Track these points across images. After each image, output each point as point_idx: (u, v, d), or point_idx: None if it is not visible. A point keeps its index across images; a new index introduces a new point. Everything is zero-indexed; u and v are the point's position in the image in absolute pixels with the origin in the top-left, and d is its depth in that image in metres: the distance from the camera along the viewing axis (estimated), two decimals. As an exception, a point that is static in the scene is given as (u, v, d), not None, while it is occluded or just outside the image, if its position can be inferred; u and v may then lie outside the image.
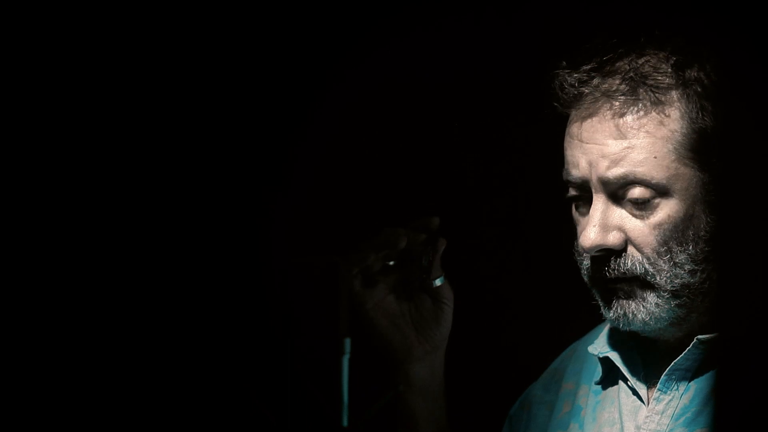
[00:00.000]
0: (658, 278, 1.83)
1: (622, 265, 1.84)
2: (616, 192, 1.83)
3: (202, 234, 2.35)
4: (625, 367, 1.92)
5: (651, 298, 1.84)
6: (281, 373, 1.72)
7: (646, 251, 1.83)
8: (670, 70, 1.81)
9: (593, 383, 1.98)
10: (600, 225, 1.84)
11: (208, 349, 2.31)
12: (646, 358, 1.92)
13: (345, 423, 1.69)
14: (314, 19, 2.40)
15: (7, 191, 2.25)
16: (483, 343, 2.47)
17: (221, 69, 2.36)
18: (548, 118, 1.91)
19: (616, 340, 1.95)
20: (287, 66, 2.40)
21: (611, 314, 1.86)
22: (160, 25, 2.33)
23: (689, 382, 1.87)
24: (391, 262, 2.00)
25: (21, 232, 2.26)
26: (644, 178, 1.81)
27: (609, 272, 1.85)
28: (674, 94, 1.81)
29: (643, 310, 1.84)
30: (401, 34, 2.41)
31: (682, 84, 1.81)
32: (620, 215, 1.84)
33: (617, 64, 1.83)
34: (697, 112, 1.81)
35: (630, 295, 1.85)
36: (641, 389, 1.90)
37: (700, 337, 1.84)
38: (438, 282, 2.02)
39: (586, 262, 1.87)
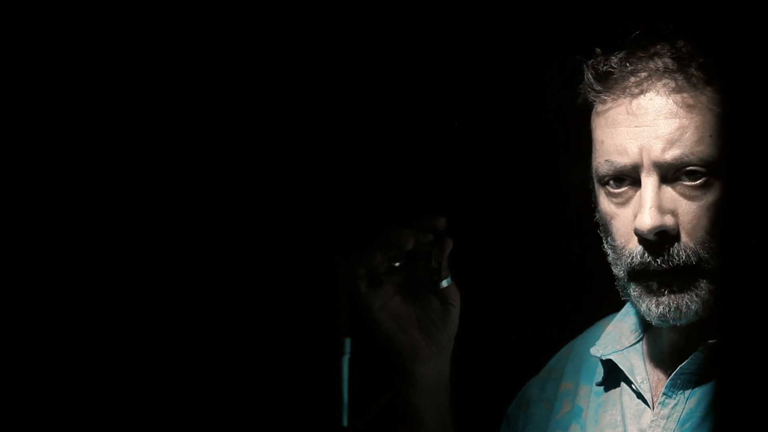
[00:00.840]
0: (712, 262, 1.76)
1: (676, 256, 1.76)
2: (668, 174, 1.76)
3: (202, 234, 2.35)
4: (628, 370, 1.90)
5: (704, 285, 1.77)
6: (281, 373, 1.72)
7: (699, 235, 1.76)
8: (712, 52, 1.76)
9: (594, 384, 1.97)
10: (656, 206, 1.76)
11: (209, 349, 2.31)
12: (649, 360, 1.91)
13: (345, 423, 1.69)
14: (314, 18, 2.40)
15: (7, 191, 2.25)
16: (483, 343, 2.47)
17: (221, 69, 2.37)
18: (548, 118, 1.91)
19: (617, 341, 1.94)
20: (287, 66, 2.40)
21: (660, 309, 1.78)
22: (159, 25, 2.33)
23: (694, 386, 1.84)
24: (397, 264, 1.99)
25: (21, 233, 2.26)
26: (702, 157, 1.74)
27: (661, 263, 1.77)
28: (719, 77, 1.76)
29: (698, 300, 1.77)
30: (401, 34, 2.41)
31: (728, 66, 1.76)
32: (672, 198, 1.77)
33: (657, 47, 1.78)
34: (747, 93, 1.76)
35: (683, 288, 1.77)
36: (646, 393, 1.88)
37: (707, 342, 1.81)
38: (445, 283, 1.99)
39: (633, 258, 1.79)
